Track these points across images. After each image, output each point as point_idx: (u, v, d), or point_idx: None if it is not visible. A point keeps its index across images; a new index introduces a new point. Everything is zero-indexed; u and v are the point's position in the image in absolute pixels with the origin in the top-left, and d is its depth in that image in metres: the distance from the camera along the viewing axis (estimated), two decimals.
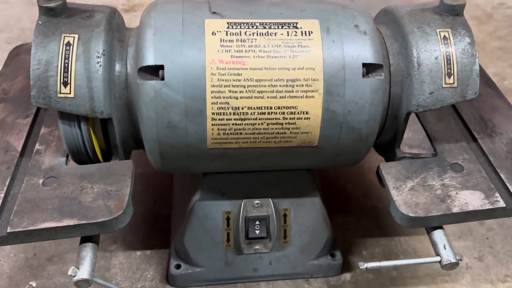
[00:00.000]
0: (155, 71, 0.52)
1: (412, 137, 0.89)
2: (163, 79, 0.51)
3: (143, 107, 0.52)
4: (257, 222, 0.66)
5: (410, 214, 0.54)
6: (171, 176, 0.84)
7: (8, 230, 0.49)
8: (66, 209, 0.51)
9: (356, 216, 0.82)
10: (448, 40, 0.56)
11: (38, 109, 0.65)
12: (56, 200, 0.52)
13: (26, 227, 0.49)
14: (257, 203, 0.65)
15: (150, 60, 0.52)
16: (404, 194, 0.56)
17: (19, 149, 0.59)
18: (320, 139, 0.56)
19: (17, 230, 0.49)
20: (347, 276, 0.73)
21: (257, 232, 0.66)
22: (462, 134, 0.64)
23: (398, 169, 0.59)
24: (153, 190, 0.85)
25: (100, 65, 0.52)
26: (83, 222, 0.50)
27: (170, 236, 0.75)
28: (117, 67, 0.54)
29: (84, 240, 0.53)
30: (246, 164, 0.59)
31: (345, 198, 0.85)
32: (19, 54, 0.79)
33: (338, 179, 0.89)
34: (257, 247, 0.67)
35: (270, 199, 0.66)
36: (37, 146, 0.59)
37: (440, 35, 0.56)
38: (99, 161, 0.58)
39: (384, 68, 0.55)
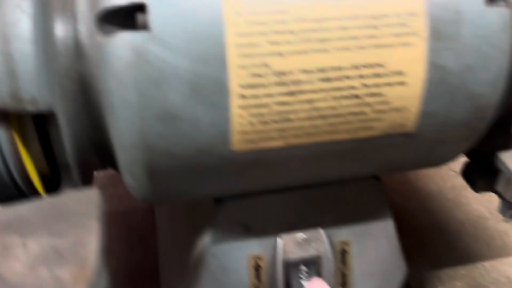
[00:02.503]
0: (130, 16, 0.28)
1: None
2: (146, 28, 0.28)
3: (113, 85, 0.28)
4: (303, 268, 0.42)
5: None
6: (151, 210, 0.59)
7: None
8: None
9: (417, 238, 0.60)
10: None
11: None
12: None
13: None
14: (303, 238, 0.42)
15: None
16: None
17: None
18: (420, 119, 0.33)
19: None
20: None
21: (304, 283, 0.42)
22: None
23: None
24: (127, 234, 0.59)
25: (26, 14, 0.28)
26: None
27: None
28: (59, 22, 0.30)
29: None
30: (291, 175, 0.36)
31: (396, 216, 0.63)
32: None
33: None
34: None
35: (321, 230, 0.42)
36: None
37: None
38: (38, 194, 0.33)
39: None
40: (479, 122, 0.35)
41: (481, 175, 0.45)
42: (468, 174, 0.46)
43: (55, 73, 0.29)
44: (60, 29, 0.30)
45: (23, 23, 0.28)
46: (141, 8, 0.28)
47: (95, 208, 0.30)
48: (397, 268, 0.46)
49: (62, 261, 0.27)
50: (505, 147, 0.41)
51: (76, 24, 0.30)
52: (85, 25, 0.30)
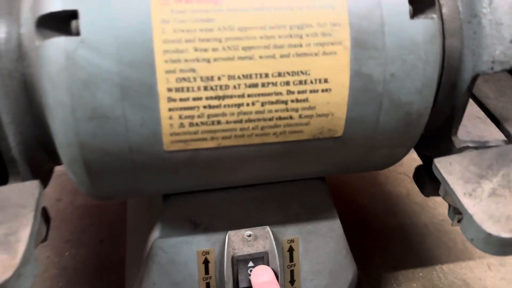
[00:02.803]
0: (64, 22, 0.30)
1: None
2: (78, 34, 0.30)
3: (48, 86, 0.30)
4: (251, 264, 0.44)
5: (503, 235, 0.33)
6: (124, 205, 0.61)
7: None
8: None
9: (380, 240, 0.61)
10: None
11: None
12: None
13: None
14: (249, 235, 0.43)
15: (54, 3, 0.30)
16: (484, 203, 0.35)
17: None
18: (348, 125, 0.34)
19: None
20: None
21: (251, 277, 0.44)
22: None
23: (464, 166, 0.38)
24: (98, 226, 0.61)
25: None
26: None
27: None
28: (2, 25, 0.32)
29: None
30: (229, 176, 0.38)
31: (361, 217, 0.64)
32: None
33: (347, 192, 0.68)
34: None
35: (267, 227, 0.44)
36: None
37: None
38: None
39: (435, 10, 0.35)
40: (411, 128, 0.37)
41: (430, 179, 0.46)
42: (418, 178, 0.47)
43: None
44: (3, 32, 0.32)
45: None
46: (74, 14, 0.30)
47: (33, 200, 0.32)
48: (346, 268, 0.48)
49: None
50: (446, 152, 0.43)
51: (20, 28, 0.33)
52: (27, 29, 0.32)
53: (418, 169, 0.47)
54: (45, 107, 0.32)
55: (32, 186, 0.34)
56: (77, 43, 0.30)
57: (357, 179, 0.69)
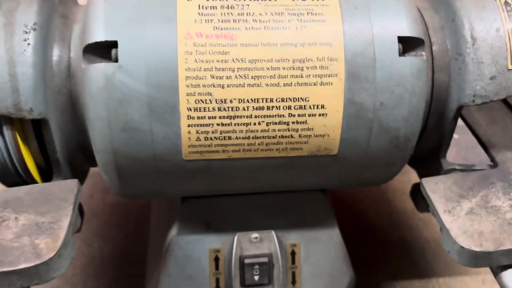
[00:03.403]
0: (106, 50, 0.37)
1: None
2: (116, 60, 0.36)
3: (90, 102, 0.37)
4: (256, 264, 0.49)
5: (474, 248, 0.38)
6: (148, 205, 0.67)
7: None
8: None
9: (381, 251, 0.65)
10: None
11: None
12: None
13: None
14: (256, 237, 0.49)
15: (99, 34, 0.36)
16: (461, 220, 0.40)
17: None
18: (342, 145, 0.40)
19: None
20: None
21: (256, 277, 0.49)
22: None
23: (447, 186, 0.43)
24: (125, 222, 0.68)
25: (29, 44, 0.37)
26: None
27: (145, 283, 0.58)
28: (56, 49, 0.39)
29: None
30: (239, 183, 0.43)
31: (366, 228, 0.69)
32: None
33: (355, 204, 0.72)
34: None
35: (272, 232, 0.49)
36: None
37: (500, 0, 0.41)
38: (35, 182, 0.42)
39: (425, 48, 0.40)
40: (399, 151, 0.41)
41: (423, 196, 0.50)
42: (413, 194, 0.52)
43: (50, 90, 0.38)
44: (57, 56, 0.39)
45: (27, 52, 0.37)
46: (114, 44, 0.36)
47: (72, 195, 0.39)
48: (344, 273, 0.52)
49: (41, 234, 0.36)
50: (435, 173, 0.47)
51: (70, 52, 0.39)
52: (75, 54, 0.39)
53: (414, 186, 0.52)
54: (86, 119, 0.39)
55: (72, 183, 0.40)
56: (115, 68, 0.36)
57: (365, 195, 0.73)
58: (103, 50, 0.36)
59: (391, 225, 0.69)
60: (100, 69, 0.36)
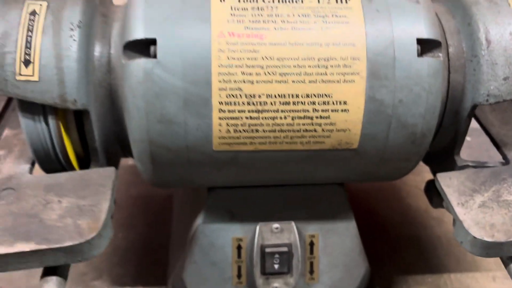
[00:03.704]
0: (145, 47, 0.39)
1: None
2: (155, 56, 0.39)
3: (129, 95, 0.40)
4: (276, 253, 0.52)
5: (486, 239, 0.40)
6: (170, 196, 0.70)
7: None
8: (22, 229, 0.38)
9: (394, 247, 0.68)
10: None
11: (4, 107, 0.52)
12: (9, 218, 0.39)
13: None
14: (277, 228, 0.52)
15: (139, 32, 0.39)
16: (474, 212, 0.42)
17: None
18: (362, 139, 0.42)
19: None
20: None
21: (276, 266, 0.52)
22: None
23: (461, 181, 0.45)
24: (148, 212, 0.71)
25: (74, 40, 0.40)
26: (43, 247, 0.37)
27: (168, 270, 0.61)
28: (98, 46, 0.42)
29: (47, 272, 0.39)
30: (263, 175, 0.46)
31: (380, 225, 0.71)
32: None
33: (368, 201, 0.75)
34: (275, 284, 0.53)
35: (293, 223, 0.52)
36: None
37: None
38: (73, 169, 0.45)
39: (441, 49, 0.42)
40: (416, 146, 0.44)
41: (437, 192, 0.53)
42: (427, 191, 0.54)
43: (92, 83, 0.41)
44: (98, 52, 0.42)
45: (73, 48, 0.40)
46: (153, 41, 0.39)
47: (110, 181, 0.42)
48: (359, 265, 0.55)
49: (82, 215, 0.39)
50: (450, 169, 0.49)
51: (110, 48, 0.42)
52: (116, 50, 0.42)
53: (428, 183, 0.54)
54: (124, 111, 0.42)
55: (110, 170, 0.43)
56: (154, 63, 0.39)
57: (380, 192, 0.76)
58: (143, 47, 0.39)
59: (404, 223, 0.71)
60: (139, 64, 0.39)
